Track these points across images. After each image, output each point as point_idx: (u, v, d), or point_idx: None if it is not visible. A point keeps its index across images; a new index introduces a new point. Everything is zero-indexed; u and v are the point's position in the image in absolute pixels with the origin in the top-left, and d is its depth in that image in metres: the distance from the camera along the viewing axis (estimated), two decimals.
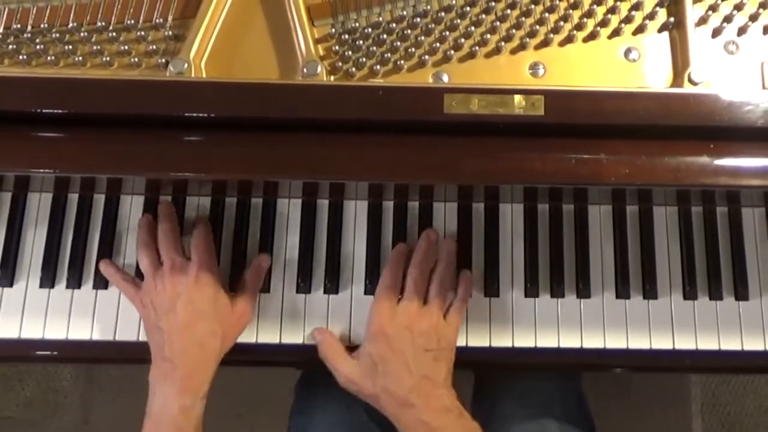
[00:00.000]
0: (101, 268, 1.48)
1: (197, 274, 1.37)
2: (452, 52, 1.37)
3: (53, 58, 1.37)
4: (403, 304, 1.41)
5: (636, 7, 1.40)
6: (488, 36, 1.38)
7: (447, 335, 1.41)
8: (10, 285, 1.49)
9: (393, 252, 1.48)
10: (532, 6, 1.40)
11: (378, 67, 1.37)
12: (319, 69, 1.34)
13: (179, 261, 1.40)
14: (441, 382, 1.37)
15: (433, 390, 1.35)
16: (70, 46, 1.37)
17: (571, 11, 1.40)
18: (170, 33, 1.38)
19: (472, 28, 1.38)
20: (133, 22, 1.38)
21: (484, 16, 1.39)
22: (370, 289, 1.49)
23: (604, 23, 1.39)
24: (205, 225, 1.47)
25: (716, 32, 1.40)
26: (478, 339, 1.47)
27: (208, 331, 1.35)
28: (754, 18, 1.40)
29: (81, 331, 1.47)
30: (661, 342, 1.48)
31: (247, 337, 1.46)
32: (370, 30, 1.38)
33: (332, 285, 1.49)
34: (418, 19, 1.38)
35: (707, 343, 1.48)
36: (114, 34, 1.38)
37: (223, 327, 1.37)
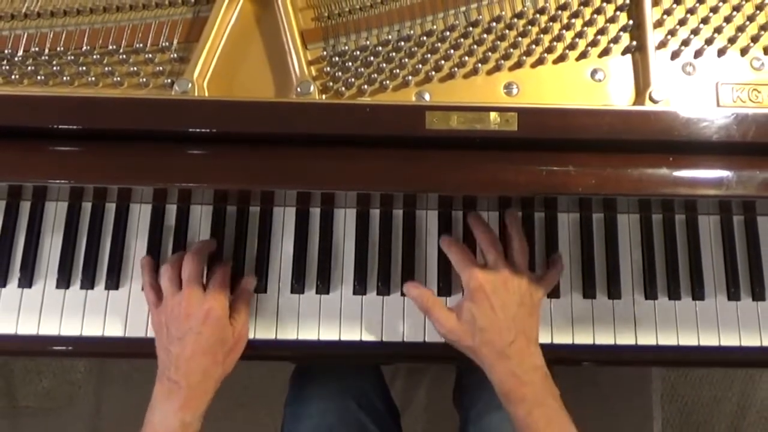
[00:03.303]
0: (142, 261, 1.49)
1: (209, 310, 1.36)
2: (433, 73, 1.37)
3: (68, 78, 1.36)
4: (491, 264, 1.41)
5: (601, 31, 1.40)
6: (466, 58, 1.38)
7: (536, 291, 1.41)
8: (29, 286, 1.49)
9: (442, 239, 1.49)
10: (507, 31, 1.39)
11: (365, 86, 1.36)
12: (311, 88, 1.34)
13: (197, 292, 1.39)
14: (533, 338, 1.37)
15: (527, 347, 1.35)
16: (84, 68, 1.36)
17: (542, 35, 1.39)
18: (175, 55, 1.38)
19: (452, 51, 1.38)
20: (141, 45, 1.37)
21: (462, 40, 1.38)
22: (358, 289, 1.49)
23: (572, 46, 1.39)
24: (227, 264, 1.47)
25: (675, 55, 1.40)
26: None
27: (211, 362, 1.35)
28: (709, 42, 1.40)
29: (94, 328, 1.47)
30: (625, 338, 1.49)
31: None
32: (358, 53, 1.38)
33: (323, 286, 1.49)
34: (402, 43, 1.38)
35: (667, 339, 1.49)
36: (124, 56, 1.37)
37: (225, 356, 1.37)
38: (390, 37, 1.39)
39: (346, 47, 1.39)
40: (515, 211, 1.51)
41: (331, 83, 1.37)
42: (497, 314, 1.35)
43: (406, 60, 1.38)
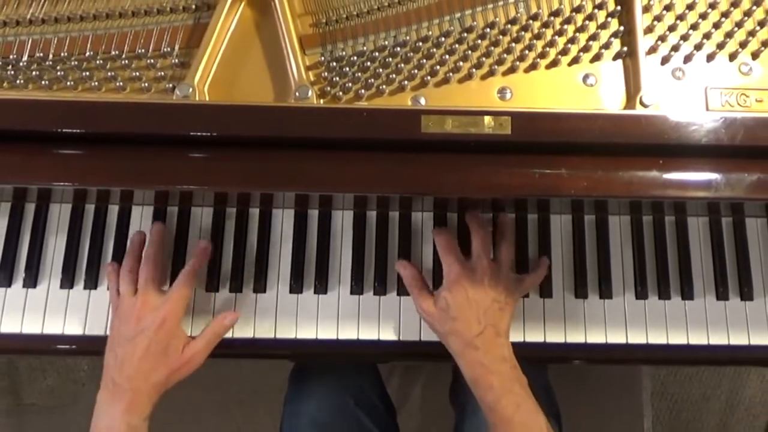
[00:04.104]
0: (108, 268, 1.47)
1: (163, 320, 1.35)
2: (429, 77, 1.37)
3: (72, 83, 1.36)
4: (475, 260, 1.42)
5: (593, 37, 1.40)
6: (461, 63, 1.38)
7: (513, 291, 1.41)
8: (34, 286, 1.49)
9: (435, 231, 1.50)
10: (500, 37, 1.39)
11: (362, 91, 1.36)
12: (309, 93, 1.34)
13: (152, 298, 1.39)
14: (503, 331, 1.37)
15: (495, 338, 1.35)
16: (88, 73, 1.36)
17: (535, 41, 1.39)
18: (177, 61, 1.38)
19: (447, 56, 1.38)
20: (143, 50, 1.37)
21: (457, 45, 1.38)
22: (355, 289, 1.49)
23: (564, 52, 1.39)
24: (191, 271, 1.43)
25: (665, 60, 1.40)
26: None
27: (154, 369, 1.33)
28: (698, 47, 1.40)
29: (97, 327, 1.48)
30: (616, 337, 1.49)
31: (246, 333, 1.46)
32: (355, 58, 1.38)
33: (321, 286, 1.49)
34: (398, 49, 1.38)
35: (657, 337, 1.48)
36: (126, 61, 1.37)
37: (169, 369, 1.35)
38: (386, 42, 1.39)
39: (344, 52, 1.39)
40: (509, 216, 1.51)
41: (328, 88, 1.37)
42: (471, 306, 1.36)
43: (402, 65, 1.38)
